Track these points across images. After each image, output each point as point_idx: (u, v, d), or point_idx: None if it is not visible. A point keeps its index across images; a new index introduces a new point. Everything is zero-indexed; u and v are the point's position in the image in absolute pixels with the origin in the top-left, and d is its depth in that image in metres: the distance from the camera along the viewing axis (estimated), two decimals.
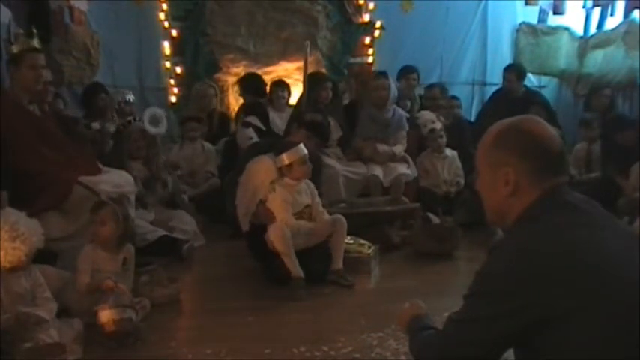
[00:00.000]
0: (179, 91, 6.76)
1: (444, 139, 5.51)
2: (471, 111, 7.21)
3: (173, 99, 6.78)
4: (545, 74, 7.28)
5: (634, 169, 5.03)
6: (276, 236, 3.69)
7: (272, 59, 6.83)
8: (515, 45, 7.26)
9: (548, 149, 1.63)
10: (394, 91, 5.43)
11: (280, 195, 3.83)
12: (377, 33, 7.02)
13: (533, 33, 7.16)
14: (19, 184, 3.46)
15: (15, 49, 4.10)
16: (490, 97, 6.94)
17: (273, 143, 4.30)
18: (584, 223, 1.57)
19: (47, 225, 3.13)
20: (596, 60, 6.73)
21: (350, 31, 7.04)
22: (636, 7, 6.36)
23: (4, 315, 2.65)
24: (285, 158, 3.82)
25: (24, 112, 3.80)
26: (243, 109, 5.92)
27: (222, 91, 6.76)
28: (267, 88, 6.10)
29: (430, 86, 6.52)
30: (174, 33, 6.68)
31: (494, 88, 6.97)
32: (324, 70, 6.70)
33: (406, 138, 5.51)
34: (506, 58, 7.20)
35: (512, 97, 6.39)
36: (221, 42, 6.84)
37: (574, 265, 1.48)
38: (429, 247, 4.45)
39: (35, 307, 2.77)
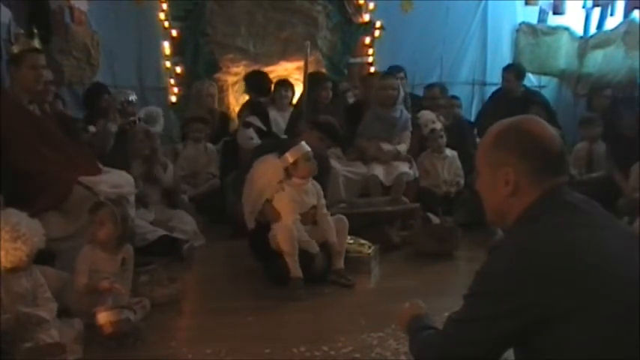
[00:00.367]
0: (179, 91, 6.76)
1: (444, 139, 5.51)
2: (471, 111, 7.21)
3: (173, 99, 6.77)
4: (545, 74, 7.28)
5: (634, 169, 5.04)
6: (284, 236, 3.68)
7: (272, 59, 6.83)
8: (515, 45, 7.27)
9: (548, 149, 1.63)
10: (402, 91, 5.45)
11: (288, 194, 3.83)
12: (377, 33, 7.02)
13: (533, 33, 7.16)
14: (19, 184, 3.46)
15: (15, 49, 4.11)
16: (490, 97, 6.95)
17: (278, 144, 4.31)
18: (584, 223, 1.57)
19: (47, 225, 3.13)
20: (596, 60, 6.73)
21: (350, 31, 7.04)
22: (636, 7, 6.37)
23: (5, 315, 2.64)
24: (289, 156, 3.83)
25: (24, 112, 3.79)
26: (245, 109, 5.93)
27: (222, 91, 6.76)
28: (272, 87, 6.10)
29: (430, 86, 6.53)
30: (174, 33, 6.68)
31: (494, 88, 6.97)
32: (324, 70, 6.70)
33: (409, 138, 5.52)
34: (506, 58, 7.20)
35: (511, 97, 6.39)
36: (221, 42, 6.84)
37: (574, 265, 1.49)
38: (429, 247, 4.45)
39: (36, 307, 2.77)
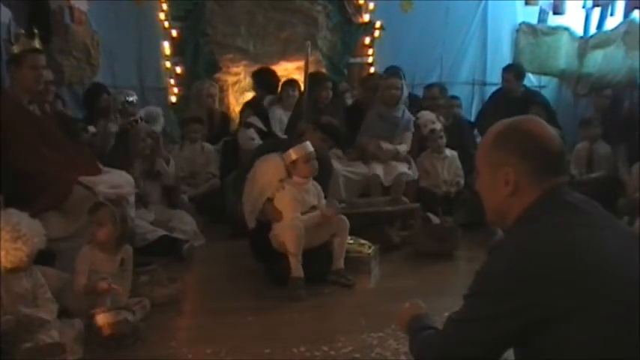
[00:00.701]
0: (179, 91, 6.77)
1: (444, 140, 5.51)
2: (471, 111, 7.21)
3: (173, 99, 6.78)
4: (545, 74, 7.28)
5: (634, 169, 5.04)
6: (291, 236, 3.68)
7: (272, 59, 6.83)
8: (515, 45, 7.27)
9: (548, 149, 1.63)
10: (405, 91, 5.45)
11: (289, 193, 3.83)
12: (377, 33, 7.03)
13: (533, 33, 7.16)
14: (19, 184, 3.46)
15: (16, 49, 4.10)
16: (490, 97, 6.95)
17: (279, 143, 4.31)
18: (584, 223, 1.57)
19: (47, 225, 3.12)
20: (596, 60, 6.73)
21: (350, 31, 7.05)
22: (636, 7, 6.36)
23: (5, 317, 2.64)
24: (293, 153, 3.83)
25: (24, 112, 3.79)
26: (246, 109, 5.93)
27: (222, 90, 6.76)
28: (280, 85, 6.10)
29: (429, 86, 6.53)
30: (174, 33, 6.69)
31: (494, 88, 6.97)
32: (324, 70, 6.70)
33: (411, 139, 5.52)
34: (506, 58, 7.20)
35: (511, 97, 6.39)
36: (221, 42, 6.84)
37: (574, 265, 1.48)
38: (429, 247, 4.46)
39: (36, 307, 2.77)
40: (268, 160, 4.00)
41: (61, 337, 2.72)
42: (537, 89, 7.02)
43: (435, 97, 6.28)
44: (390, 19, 6.98)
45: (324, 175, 4.13)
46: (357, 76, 6.80)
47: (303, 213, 3.85)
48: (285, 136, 5.32)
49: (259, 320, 3.29)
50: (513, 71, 6.52)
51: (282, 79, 6.23)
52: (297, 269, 3.67)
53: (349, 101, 6.16)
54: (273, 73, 6.30)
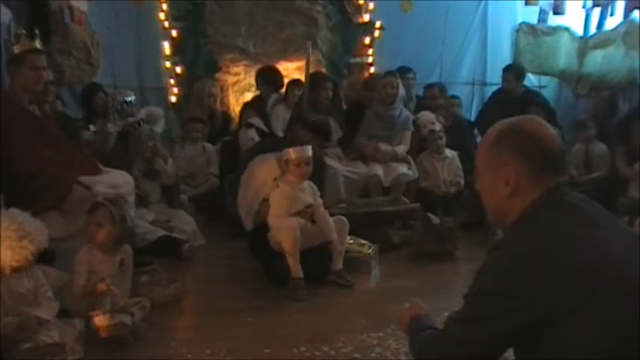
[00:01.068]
0: (179, 91, 6.76)
1: (444, 140, 5.51)
2: (471, 111, 7.20)
3: (173, 99, 6.77)
4: (545, 74, 7.27)
5: (634, 169, 5.03)
6: (288, 236, 3.67)
7: (272, 59, 6.82)
8: (515, 45, 7.26)
9: (548, 149, 1.63)
10: (402, 90, 5.46)
11: (282, 191, 3.83)
12: (377, 33, 7.02)
13: (533, 33, 7.15)
14: (19, 184, 3.46)
15: (17, 49, 4.09)
16: (490, 97, 6.95)
17: (272, 143, 4.31)
18: (584, 223, 1.57)
19: (47, 225, 3.12)
20: (596, 60, 6.72)
21: (350, 31, 7.04)
22: (636, 7, 6.36)
23: (6, 318, 2.65)
24: (292, 152, 3.84)
25: (24, 112, 3.79)
26: (247, 109, 5.93)
27: (222, 90, 6.76)
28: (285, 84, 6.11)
29: (429, 86, 6.53)
30: (174, 33, 6.68)
31: (494, 88, 6.97)
32: (324, 70, 6.70)
33: (410, 139, 5.52)
34: (506, 58, 7.19)
35: (511, 97, 6.38)
36: (221, 42, 6.84)
37: (574, 265, 1.49)
38: (429, 247, 4.45)
39: (37, 307, 2.78)
40: (262, 160, 4.00)
41: (61, 337, 2.72)
42: (537, 89, 7.02)
43: (435, 97, 6.28)
44: (390, 19, 6.97)
45: (317, 175, 4.12)
46: (348, 79, 6.79)
47: (298, 212, 3.84)
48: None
49: (259, 320, 3.29)
50: (513, 71, 6.52)
51: (287, 79, 6.24)
52: (296, 269, 3.67)
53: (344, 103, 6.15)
54: (278, 70, 6.31)
